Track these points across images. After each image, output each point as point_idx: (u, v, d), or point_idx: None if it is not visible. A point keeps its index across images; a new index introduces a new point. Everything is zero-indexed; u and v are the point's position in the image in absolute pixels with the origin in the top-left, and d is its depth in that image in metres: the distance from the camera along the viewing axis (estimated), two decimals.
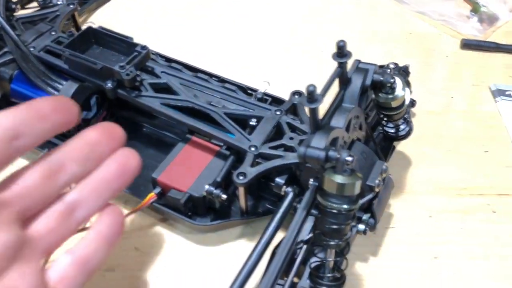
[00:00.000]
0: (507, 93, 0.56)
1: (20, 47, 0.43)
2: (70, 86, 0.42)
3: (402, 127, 0.44)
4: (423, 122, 0.53)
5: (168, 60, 0.49)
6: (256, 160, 0.38)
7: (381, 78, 0.37)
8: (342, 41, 0.34)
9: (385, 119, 0.42)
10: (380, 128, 0.45)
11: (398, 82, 0.38)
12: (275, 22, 0.65)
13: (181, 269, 0.40)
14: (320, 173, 0.31)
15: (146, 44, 0.45)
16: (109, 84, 0.42)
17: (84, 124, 0.43)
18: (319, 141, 0.30)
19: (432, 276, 0.40)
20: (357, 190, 0.30)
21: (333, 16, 0.67)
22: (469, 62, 0.61)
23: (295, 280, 0.35)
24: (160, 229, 0.43)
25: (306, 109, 0.37)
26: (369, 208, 0.37)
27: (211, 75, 0.47)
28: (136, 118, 0.48)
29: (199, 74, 0.46)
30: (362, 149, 0.37)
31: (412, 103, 0.51)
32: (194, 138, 0.42)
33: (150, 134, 0.48)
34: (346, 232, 0.32)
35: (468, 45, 0.62)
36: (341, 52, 0.34)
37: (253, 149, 0.38)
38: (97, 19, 0.63)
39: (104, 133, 0.29)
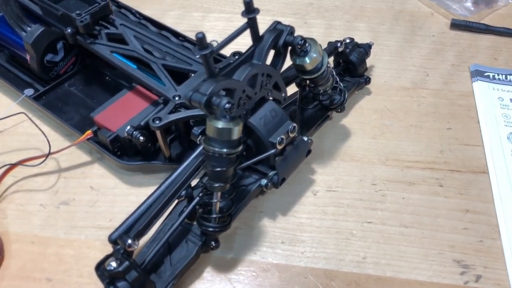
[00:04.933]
0: (485, 74, 0.55)
1: None
2: (36, 29, 0.47)
3: (336, 97, 0.46)
4: (392, 97, 0.53)
5: (142, 16, 0.53)
6: (178, 108, 0.41)
7: (291, 39, 0.38)
8: None
9: (312, 85, 0.43)
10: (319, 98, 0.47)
11: (314, 46, 0.39)
12: None
13: (115, 204, 0.44)
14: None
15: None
16: (69, 30, 0.46)
17: (52, 65, 0.49)
18: (206, 87, 0.32)
19: (361, 238, 0.41)
20: (235, 135, 0.32)
21: None
22: (454, 42, 0.60)
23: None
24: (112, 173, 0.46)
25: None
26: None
27: (173, 32, 0.51)
28: (101, 67, 0.52)
29: (163, 32, 0.50)
30: (272, 107, 0.38)
31: (366, 80, 0.52)
32: (139, 87, 0.45)
33: (110, 82, 0.52)
34: (228, 176, 0.34)
35: (457, 25, 0.61)
36: (249, 8, 0.35)
37: (176, 98, 0.41)
38: None
39: None
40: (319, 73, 0.40)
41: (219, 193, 0.35)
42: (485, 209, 0.43)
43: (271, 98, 0.40)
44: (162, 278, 0.36)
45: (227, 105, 0.31)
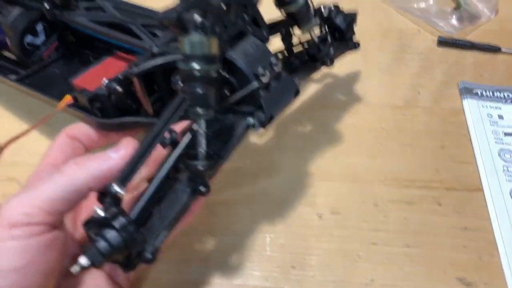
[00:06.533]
0: (474, 91, 0.57)
1: None
2: (14, 10, 0.47)
3: (322, 47, 0.45)
4: (386, 116, 0.55)
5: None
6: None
7: None
8: None
9: (292, 22, 0.43)
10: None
11: None
12: None
13: None
14: None
15: None
16: (46, 5, 0.46)
17: (33, 49, 0.49)
18: (177, 5, 0.30)
19: (368, 260, 0.43)
20: (211, 48, 0.31)
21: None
22: (442, 59, 0.62)
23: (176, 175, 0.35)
24: None
25: None
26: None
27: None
28: (86, 48, 0.52)
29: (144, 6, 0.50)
30: (253, 41, 0.37)
31: (355, 44, 0.51)
32: (119, 53, 0.45)
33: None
34: (211, 98, 0.32)
35: (444, 42, 0.63)
36: None
37: (154, 48, 0.40)
38: None
39: None
40: (298, 3, 0.40)
41: (204, 123, 0.32)
42: (482, 226, 0.45)
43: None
44: (152, 230, 0.33)
45: (199, 18, 0.30)
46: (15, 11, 0.47)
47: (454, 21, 0.66)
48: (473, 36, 0.65)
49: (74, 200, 0.31)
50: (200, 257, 0.43)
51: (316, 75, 0.60)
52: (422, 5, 0.69)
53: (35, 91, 0.46)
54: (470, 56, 0.63)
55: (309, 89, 0.58)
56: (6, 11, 0.48)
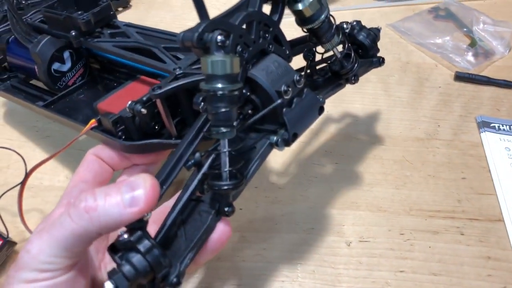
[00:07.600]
0: (491, 125, 0.60)
1: (12, 12, 0.52)
2: (42, 38, 0.50)
3: (346, 64, 0.45)
4: (408, 148, 0.58)
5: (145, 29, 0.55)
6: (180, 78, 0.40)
7: None
8: None
9: (314, 39, 0.42)
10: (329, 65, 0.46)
11: None
12: None
13: None
14: None
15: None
16: (73, 33, 0.49)
17: (59, 75, 0.52)
18: (198, 26, 0.30)
19: (396, 287, 0.45)
20: (233, 68, 0.30)
21: None
22: (460, 94, 0.65)
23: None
24: None
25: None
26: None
27: None
28: (110, 74, 0.54)
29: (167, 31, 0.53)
30: (274, 59, 0.37)
31: (380, 60, 0.50)
32: (143, 77, 0.46)
33: None
34: (233, 117, 0.31)
35: (461, 77, 0.66)
36: None
37: (177, 70, 0.41)
38: None
39: None
40: (320, 20, 0.39)
41: (227, 142, 0.32)
42: (505, 256, 0.47)
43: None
44: (178, 253, 0.33)
45: (219, 37, 0.30)
46: (43, 38, 0.51)
47: (469, 57, 0.69)
48: (488, 71, 0.68)
49: (87, 244, 0.31)
50: (232, 283, 0.45)
51: (341, 110, 0.63)
52: (439, 41, 0.72)
53: (61, 116, 0.48)
54: (486, 90, 0.66)
55: (335, 123, 0.61)
56: (36, 40, 0.51)
